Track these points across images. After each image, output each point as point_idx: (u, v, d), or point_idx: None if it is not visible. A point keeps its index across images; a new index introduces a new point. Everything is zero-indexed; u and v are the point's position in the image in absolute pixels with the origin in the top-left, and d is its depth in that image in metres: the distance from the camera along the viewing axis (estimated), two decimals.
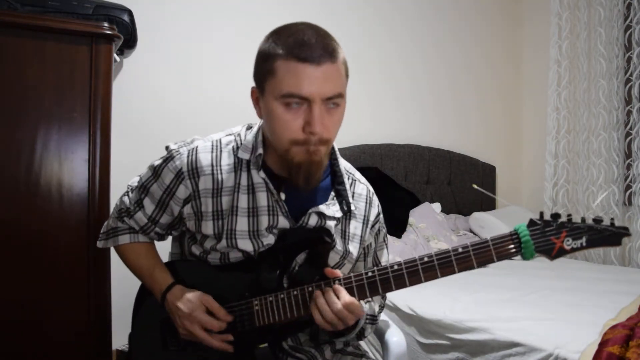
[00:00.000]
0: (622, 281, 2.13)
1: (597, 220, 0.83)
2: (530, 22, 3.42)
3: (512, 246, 0.86)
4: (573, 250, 0.83)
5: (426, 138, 3.01)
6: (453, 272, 0.88)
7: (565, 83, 3.01)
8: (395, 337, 1.27)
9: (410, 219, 2.51)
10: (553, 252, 0.84)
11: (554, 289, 1.97)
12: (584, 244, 0.83)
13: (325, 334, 1.09)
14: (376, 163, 2.71)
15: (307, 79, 0.88)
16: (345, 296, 0.91)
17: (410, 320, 1.77)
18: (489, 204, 3.19)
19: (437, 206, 2.81)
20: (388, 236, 2.29)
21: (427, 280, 0.90)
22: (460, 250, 0.87)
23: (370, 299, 1.11)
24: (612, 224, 0.83)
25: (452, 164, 3.03)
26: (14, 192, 1.35)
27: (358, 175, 1.15)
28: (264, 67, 0.92)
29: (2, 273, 1.34)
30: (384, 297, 1.20)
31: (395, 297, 1.87)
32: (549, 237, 0.84)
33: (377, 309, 1.14)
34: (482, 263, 0.86)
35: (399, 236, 2.40)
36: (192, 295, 1.00)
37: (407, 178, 2.85)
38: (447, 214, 2.85)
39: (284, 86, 0.89)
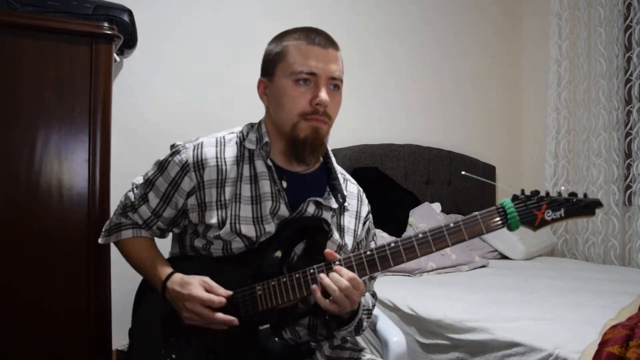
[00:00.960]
0: (622, 281, 2.13)
1: (573, 194, 0.92)
2: (530, 22, 3.41)
3: (498, 219, 0.93)
4: (553, 220, 0.92)
5: (426, 138, 3.01)
6: (447, 246, 0.95)
7: (565, 83, 3.01)
8: (395, 337, 1.27)
9: (410, 219, 2.51)
10: (536, 223, 0.92)
11: (554, 289, 1.97)
12: (563, 215, 0.91)
13: (324, 329, 1.10)
14: (376, 163, 2.71)
15: (315, 57, 1.01)
16: (348, 272, 0.96)
17: (410, 320, 1.77)
18: (489, 204, 3.17)
19: (437, 206, 2.81)
20: (389, 236, 2.32)
21: (422, 254, 0.96)
22: (452, 225, 0.94)
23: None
24: (585, 196, 0.91)
25: (452, 164, 3.03)
26: (14, 192, 1.35)
27: (349, 176, 1.24)
28: (275, 54, 1.05)
29: (2, 273, 1.34)
30: (374, 297, 1.23)
31: (395, 297, 1.87)
32: (532, 210, 0.92)
33: (370, 304, 1.19)
34: (473, 235, 0.94)
35: (399, 236, 2.40)
36: (189, 278, 1.02)
37: (407, 178, 2.85)
38: (447, 214, 2.85)
39: (295, 64, 1.02)
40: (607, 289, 1.96)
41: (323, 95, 1.01)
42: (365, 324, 1.16)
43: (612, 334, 1.31)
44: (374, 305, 1.22)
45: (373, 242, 1.24)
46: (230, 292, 1.01)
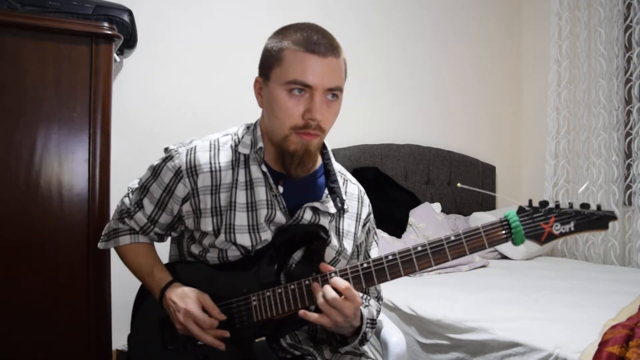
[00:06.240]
0: (622, 281, 2.13)
1: (585, 206, 0.85)
2: (530, 22, 3.42)
3: (502, 232, 0.88)
4: (562, 235, 0.85)
5: (426, 138, 3.01)
6: (446, 260, 0.91)
7: (565, 83, 3.01)
8: (395, 337, 1.27)
9: (410, 219, 2.51)
10: (542, 237, 0.86)
11: (554, 289, 1.97)
12: (572, 229, 0.85)
13: (324, 333, 1.10)
14: (376, 163, 2.71)
15: (312, 68, 0.95)
16: (342, 284, 0.93)
17: (410, 320, 1.77)
18: (489, 204, 3.19)
19: (437, 206, 2.81)
20: (389, 236, 2.32)
21: (421, 268, 0.92)
22: (452, 238, 0.90)
23: (367, 303, 1.13)
24: (599, 209, 0.84)
25: (452, 164, 3.03)
26: (14, 192, 1.35)
27: (349, 176, 1.20)
28: (272, 56, 0.99)
29: (2, 273, 1.34)
30: (380, 300, 1.21)
31: (395, 297, 1.87)
32: (538, 223, 0.86)
33: (375, 313, 1.15)
34: (474, 249, 0.89)
35: (399, 236, 2.40)
36: (189, 291, 1.01)
37: (407, 178, 2.85)
38: (447, 214, 2.85)
39: (290, 73, 0.95)
40: (607, 289, 1.96)
41: (317, 110, 0.95)
42: (370, 334, 1.12)
43: (612, 334, 1.31)
44: (378, 311, 1.18)
45: (374, 242, 1.22)
46: (223, 317, 1.00)
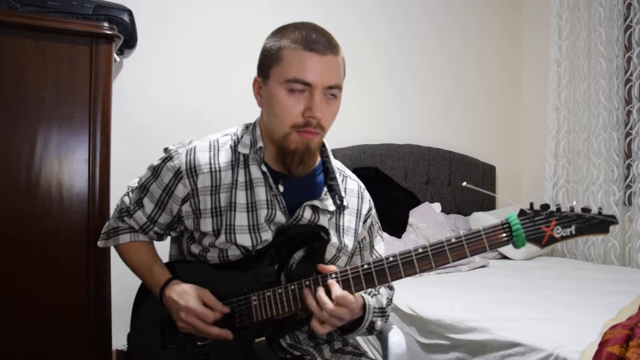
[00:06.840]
0: (622, 281, 2.13)
1: (586, 210, 0.85)
2: (530, 22, 3.42)
3: (503, 235, 0.88)
4: (563, 238, 0.86)
5: (426, 138, 3.01)
6: (447, 262, 0.90)
7: (565, 83, 3.01)
8: (395, 337, 1.27)
9: (410, 219, 2.51)
10: (543, 241, 0.86)
11: (554, 289, 1.97)
12: (573, 232, 0.85)
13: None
14: (376, 163, 2.71)
15: (311, 66, 0.95)
16: (337, 290, 0.93)
17: (410, 320, 1.77)
18: (488, 204, 3.19)
19: (437, 206, 2.81)
20: (389, 236, 2.32)
21: (422, 270, 0.92)
22: (453, 240, 0.90)
23: (377, 292, 1.13)
24: (600, 213, 0.85)
25: (452, 164, 3.03)
26: (14, 192, 1.35)
27: (349, 172, 1.20)
28: (271, 55, 0.99)
29: (2, 273, 1.34)
30: (391, 288, 1.20)
31: (396, 297, 1.85)
32: (539, 226, 0.86)
33: (385, 301, 1.15)
34: (475, 252, 0.89)
35: (399, 236, 2.40)
36: (188, 288, 1.01)
37: (407, 178, 2.85)
38: (447, 214, 2.85)
39: (290, 72, 0.96)
40: (607, 289, 1.96)
41: (317, 108, 0.96)
42: (380, 322, 1.12)
43: (612, 334, 1.31)
44: (390, 299, 1.18)
45: (379, 237, 1.23)
46: (227, 309, 1.00)
